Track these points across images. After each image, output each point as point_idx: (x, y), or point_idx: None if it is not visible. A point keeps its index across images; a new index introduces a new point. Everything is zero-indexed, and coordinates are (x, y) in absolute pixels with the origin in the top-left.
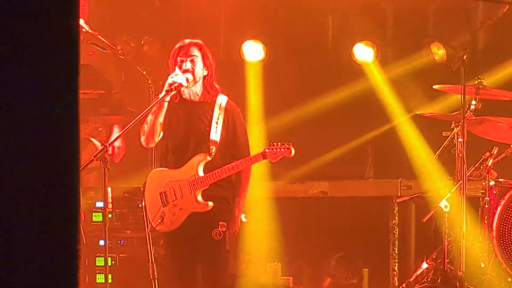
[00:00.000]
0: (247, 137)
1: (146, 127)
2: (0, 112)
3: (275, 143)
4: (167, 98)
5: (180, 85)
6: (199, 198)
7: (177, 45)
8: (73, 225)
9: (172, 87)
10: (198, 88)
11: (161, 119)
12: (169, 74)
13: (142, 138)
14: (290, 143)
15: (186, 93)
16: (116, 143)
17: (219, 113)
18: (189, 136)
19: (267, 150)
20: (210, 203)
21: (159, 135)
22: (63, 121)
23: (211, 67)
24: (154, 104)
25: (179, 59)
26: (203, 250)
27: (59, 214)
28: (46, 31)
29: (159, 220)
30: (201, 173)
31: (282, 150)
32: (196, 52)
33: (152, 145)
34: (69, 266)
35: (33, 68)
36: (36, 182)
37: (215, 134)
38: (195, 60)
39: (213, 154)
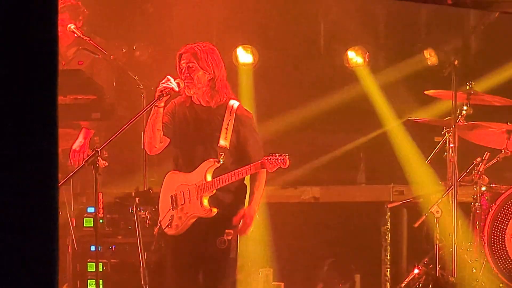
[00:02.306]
0: (259, 143)
1: (145, 135)
2: None
3: (273, 153)
4: (161, 104)
5: (172, 89)
6: (205, 203)
7: (178, 52)
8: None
9: (163, 92)
10: (205, 93)
11: (158, 126)
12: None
13: (145, 146)
14: (287, 155)
15: (195, 97)
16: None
17: (229, 119)
18: (199, 141)
19: (265, 160)
20: (214, 210)
21: (160, 142)
22: (42, 123)
23: (216, 71)
24: (146, 109)
25: (181, 66)
26: (207, 257)
27: (38, 215)
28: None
29: (168, 223)
30: (209, 179)
31: (279, 161)
32: (192, 58)
33: (156, 152)
34: (48, 264)
35: (11, 70)
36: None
37: (224, 140)
38: (192, 67)
39: (221, 160)
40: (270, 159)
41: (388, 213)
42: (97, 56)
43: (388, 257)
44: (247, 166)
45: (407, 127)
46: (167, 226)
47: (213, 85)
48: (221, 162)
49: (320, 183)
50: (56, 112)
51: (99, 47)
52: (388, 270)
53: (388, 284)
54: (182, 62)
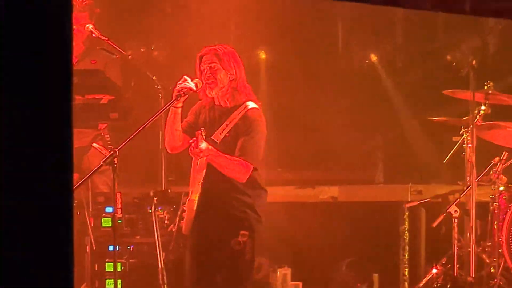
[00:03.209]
0: (260, 148)
1: (165, 134)
2: None
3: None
4: (179, 104)
5: (189, 89)
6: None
7: (199, 54)
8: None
9: (180, 93)
10: (226, 94)
11: (177, 126)
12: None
13: (165, 144)
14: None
15: (213, 95)
16: None
17: (235, 117)
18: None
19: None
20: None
21: (179, 141)
22: (57, 123)
23: (237, 72)
24: (163, 109)
25: (202, 68)
26: (223, 259)
27: (53, 215)
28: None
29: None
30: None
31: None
32: (214, 59)
33: (177, 150)
34: (64, 263)
35: (26, 72)
36: (30, 184)
37: (219, 135)
38: (214, 67)
39: None
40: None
41: (406, 213)
42: (115, 56)
43: (406, 256)
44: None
45: (425, 127)
46: (181, 223)
47: (235, 86)
48: None
49: (338, 183)
50: (71, 112)
51: (117, 47)
52: (406, 269)
53: (406, 284)
54: (203, 63)
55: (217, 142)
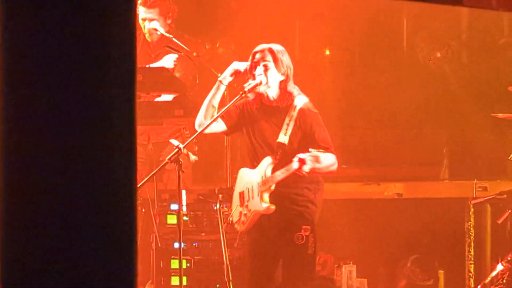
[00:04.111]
0: (327, 141)
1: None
2: (57, 114)
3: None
4: (225, 82)
5: (257, 85)
6: (265, 199)
7: (253, 51)
8: (130, 221)
9: (252, 85)
10: (274, 93)
11: (214, 101)
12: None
13: (196, 118)
14: (322, 151)
15: (263, 94)
16: None
17: (292, 116)
18: (264, 138)
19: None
20: (272, 207)
21: (210, 117)
22: (120, 121)
23: (288, 71)
24: (228, 106)
25: (253, 64)
26: (284, 253)
27: (117, 212)
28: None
29: (237, 219)
30: (269, 175)
31: (313, 157)
32: (269, 57)
33: (203, 128)
34: (128, 260)
35: (90, 70)
36: (94, 182)
37: (284, 136)
38: (268, 66)
39: (278, 156)
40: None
41: (472, 209)
42: (180, 53)
43: (472, 253)
44: (292, 162)
45: (490, 123)
46: (236, 222)
47: (284, 85)
48: (277, 158)
49: (403, 179)
50: (135, 109)
51: (182, 45)
52: (472, 266)
53: (471, 280)
54: (256, 60)
55: (286, 143)
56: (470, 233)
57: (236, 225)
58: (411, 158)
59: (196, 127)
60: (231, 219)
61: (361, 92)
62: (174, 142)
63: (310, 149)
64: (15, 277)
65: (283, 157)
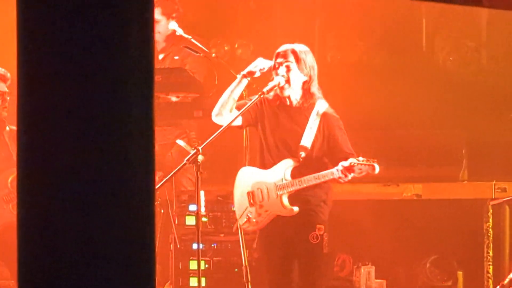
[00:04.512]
0: (348, 147)
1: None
2: (75, 114)
3: (360, 158)
4: (248, 78)
5: (278, 84)
6: (285, 202)
7: (276, 51)
8: (148, 222)
9: (270, 86)
10: (296, 93)
11: (235, 94)
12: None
13: (213, 110)
14: (375, 160)
15: (285, 95)
16: None
17: (315, 119)
18: (285, 139)
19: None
20: (296, 208)
21: (230, 111)
22: (138, 121)
23: (311, 72)
24: (248, 106)
25: (276, 64)
26: (300, 253)
27: (135, 213)
28: (121, 30)
29: (245, 219)
30: (288, 177)
31: (366, 167)
32: (291, 58)
33: (219, 120)
34: (146, 261)
35: (108, 69)
36: (111, 182)
37: (307, 140)
38: (290, 66)
39: (301, 159)
40: (358, 164)
41: (491, 210)
42: (198, 54)
43: (490, 254)
44: (333, 170)
45: (509, 124)
46: (244, 222)
47: (307, 86)
48: (300, 160)
49: (422, 180)
50: (153, 110)
51: (201, 45)
52: (491, 267)
53: (490, 281)
54: (279, 60)
55: (309, 147)
56: (489, 234)
57: (246, 225)
58: (430, 159)
59: (213, 117)
60: (242, 220)
61: (380, 93)
62: (181, 142)
63: (353, 159)
64: (32, 278)
65: (305, 161)
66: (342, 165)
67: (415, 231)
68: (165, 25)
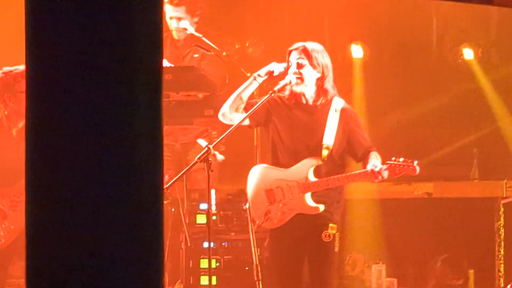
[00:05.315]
0: (368, 141)
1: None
2: (83, 114)
3: (395, 158)
4: (260, 80)
5: (289, 83)
6: (309, 201)
7: (288, 49)
8: (158, 225)
9: (281, 84)
10: (311, 91)
11: (245, 94)
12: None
13: (221, 108)
14: (414, 161)
15: (298, 91)
16: None
17: (334, 117)
18: (302, 138)
19: (391, 165)
20: (322, 207)
21: (237, 110)
22: (146, 122)
23: (325, 70)
24: (259, 105)
25: (290, 63)
26: (311, 251)
27: (144, 215)
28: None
29: (264, 217)
30: (311, 176)
31: (406, 167)
32: (303, 55)
33: (226, 119)
34: (154, 263)
35: (116, 69)
36: (120, 182)
37: (329, 138)
38: (302, 63)
39: (325, 158)
40: (396, 165)
41: (502, 209)
42: (209, 53)
43: (502, 252)
44: (365, 171)
45: None
46: (264, 221)
47: (321, 84)
48: (324, 159)
49: (433, 179)
50: (161, 109)
51: (212, 44)
52: (502, 265)
53: (501, 280)
54: (292, 58)
55: (331, 145)
56: (500, 233)
57: (263, 224)
58: (441, 157)
59: (220, 116)
60: (261, 219)
61: (390, 91)
62: (202, 142)
63: (392, 161)
64: (40, 278)
65: (328, 159)
66: (380, 168)
67: (426, 230)
68: (189, 24)
